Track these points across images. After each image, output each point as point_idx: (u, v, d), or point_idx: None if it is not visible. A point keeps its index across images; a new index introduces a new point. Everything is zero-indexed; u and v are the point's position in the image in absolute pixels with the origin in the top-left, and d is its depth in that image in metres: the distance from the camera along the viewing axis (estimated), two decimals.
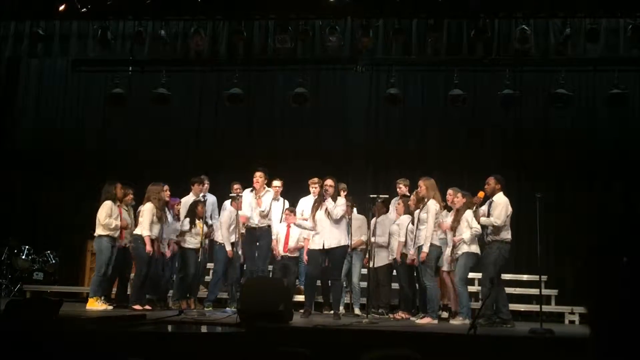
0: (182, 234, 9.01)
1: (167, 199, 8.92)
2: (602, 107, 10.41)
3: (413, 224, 8.20)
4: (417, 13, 9.75)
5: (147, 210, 8.51)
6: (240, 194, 8.95)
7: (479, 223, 7.83)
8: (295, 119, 11.55)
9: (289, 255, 9.09)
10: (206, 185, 9.61)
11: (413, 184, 8.96)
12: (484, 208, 7.83)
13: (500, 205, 7.66)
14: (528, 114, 10.94)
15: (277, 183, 9.33)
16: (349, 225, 8.49)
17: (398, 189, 9.21)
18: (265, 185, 8.90)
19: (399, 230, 8.53)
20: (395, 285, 8.92)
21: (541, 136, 11.07)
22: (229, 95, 10.32)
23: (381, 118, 11.59)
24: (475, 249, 7.89)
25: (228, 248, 8.99)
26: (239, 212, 8.79)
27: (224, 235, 9.01)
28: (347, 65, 10.55)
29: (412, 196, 8.47)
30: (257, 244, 8.78)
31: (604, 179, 10.72)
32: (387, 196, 9.18)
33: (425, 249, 7.79)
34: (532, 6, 9.56)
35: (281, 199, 9.45)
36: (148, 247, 8.42)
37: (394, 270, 8.82)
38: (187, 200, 9.29)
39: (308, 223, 8.26)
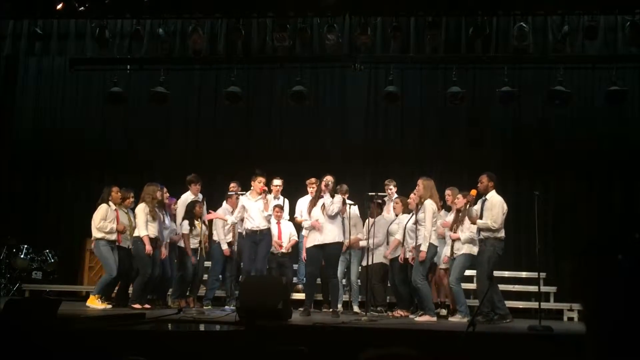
0: (184, 236, 9.00)
1: (166, 200, 8.93)
2: (601, 104, 10.41)
3: (413, 223, 8.19)
4: (415, 11, 9.74)
5: (139, 210, 8.55)
6: (237, 192, 8.98)
7: (472, 222, 7.82)
8: (294, 117, 11.53)
9: (284, 252, 9.11)
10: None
11: (409, 182, 8.97)
12: (477, 207, 7.81)
13: (497, 207, 7.63)
14: (527, 112, 10.95)
15: (277, 182, 9.33)
16: (342, 224, 8.53)
17: (388, 190, 9.17)
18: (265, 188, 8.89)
19: (399, 229, 8.52)
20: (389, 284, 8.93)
21: (540, 133, 11.07)
22: (228, 93, 10.32)
23: (380, 116, 11.59)
24: (475, 250, 7.90)
25: (224, 247, 9.06)
26: (230, 218, 8.93)
27: (219, 235, 9.07)
28: (345, 63, 10.53)
29: (412, 195, 8.47)
30: (257, 245, 8.76)
31: (603, 176, 10.73)
32: (385, 195, 9.19)
33: (424, 248, 7.80)
34: (530, 3, 9.56)
35: (281, 198, 9.46)
36: (148, 247, 8.40)
37: (389, 270, 8.82)
38: (185, 199, 9.28)
39: (307, 222, 8.30)
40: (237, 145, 11.57)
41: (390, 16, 9.71)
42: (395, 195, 9.12)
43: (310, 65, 10.89)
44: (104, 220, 8.57)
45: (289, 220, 9.47)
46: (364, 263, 8.61)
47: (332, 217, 8.08)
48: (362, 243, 8.83)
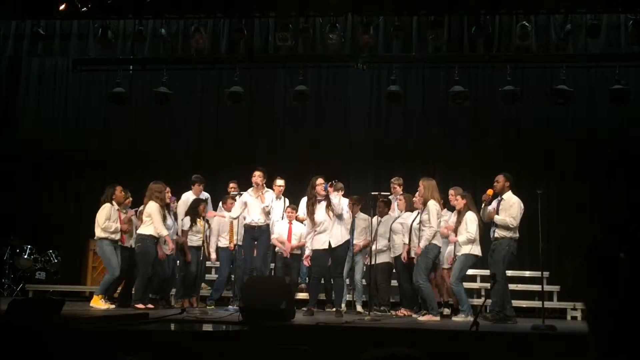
0: (183, 233, 9.02)
1: (168, 200, 8.94)
2: (604, 103, 10.39)
3: (417, 222, 8.18)
4: (418, 10, 9.74)
5: (155, 210, 8.46)
6: (235, 193, 8.97)
7: (486, 220, 7.83)
8: (296, 117, 11.54)
9: (291, 252, 9.11)
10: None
11: (411, 181, 8.97)
12: (493, 205, 7.84)
13: (515, 206, 7.70)
14: (529, 111, 10.92)
15: (280, 182, 9.34)
16: (353, 225, 8.52)
17: (392, 189, 9.16)
18: (264, 186, 8.88)
19: (402, 229, 8.50)
20: (394, 283, 8.92)
21: (542, 132, 11.06)
22: (230, 93, 10.32)
23: (382, 115, 11.58)
24: (476, 250, 7.91)
25: (213, 256, 9.13)
26: (228, 214, 8.97)
27: (213, 236, 9.12)
28: (347, 63, 10.52)
29: (416, 196, 8.46)
30: (256, 242, 8.76)
31: (606, 174, 10.71)
32: (389, 194, 9.19)
33: (422, 245, 7.87)
34: (532, 2, 9.56)
35: (282, 198, 9.47)
36: (171, 246, 8.52)
37: (394, 268, 8.81)
38: (187, 198, 9.29)
39: (307, 225, 8.30)
40: (239, 145, 11.58)
41: (392, 15, 9.72)
42: (400, 193, 9.12)
43: (313, 64, 10.90)
44: (108, 220, 8.54)
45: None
46: (369, 262, 8.58)
47: (340, 217, 8.08)
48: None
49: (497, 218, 7.71)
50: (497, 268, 7.62)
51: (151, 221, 8.44)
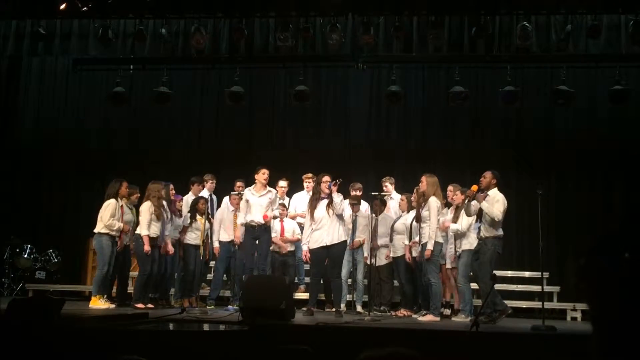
0: (183, 229, 9.03)
1: (172, 197, 8.95)
2: (604, 103, 10.39)
3: (416, 221, 8.19)
4: (418, 10, 9.74)
5: (145, 209, 8.51)
6: (240, 193, 8.96)
7: (469, 215, 7.79)
8: (296, 117, 11.54)
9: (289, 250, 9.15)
10: (210, 183, 9.65)
11: (411, 181, 8.97)
12: (476, 202, 7.82)
13: (500, 202, 7.65)
14: (529, 111, 10.93)
15: (282, 183, 9.36)
16: (354, 223, 8.52)
17: (384, 187, 9.17)
18: (266, 185, 8.85)
19: (405, 229, 8.49)
20: (395, 283, 8.92)
21: (542, 133, 11.06)
22: (230, 93, 10.32)
23: (382, 115, 11.58)
24: (475, 245, 7.90)
25: (215, 245, 9.06)
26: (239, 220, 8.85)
27: (214, 230, 9.08)
28: (348, 63, 10.53)
29: (414, 193, 8.47)
30: (257, 242, 8.74)
31: (606, 175, 10.71)
32: (389, 193, 9.19)
33: (430, 246, 7.80)
34: (533, 3, 9.55)
35: (287, 199, 9.49)
36: (146, 247, 8.41)
37: (395, 268, 8.81)
38: (188, 201, 9.30)
39: (307, 221, 8.28)
40: (240, 145, 11.58)
41: (392, 15, 9.71)
42: (394, 192, 9.14)
43: (313, 64, 10.90)
44: (113, 217, 8.50)
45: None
46: (369, 262, 8.58)
47: (340, 217, 8.09)
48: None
49: (484, 205, 7.60)
50: (484, 269, 7.57)
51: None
